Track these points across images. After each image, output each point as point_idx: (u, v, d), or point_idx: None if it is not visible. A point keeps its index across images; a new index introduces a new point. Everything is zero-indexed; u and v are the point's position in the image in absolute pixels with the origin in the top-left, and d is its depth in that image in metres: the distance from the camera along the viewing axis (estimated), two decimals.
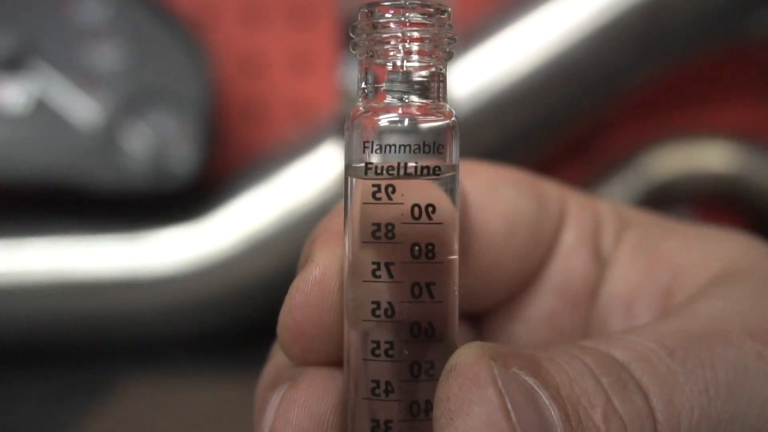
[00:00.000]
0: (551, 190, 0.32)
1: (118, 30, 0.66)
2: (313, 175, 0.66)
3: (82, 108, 0.65)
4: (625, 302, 0.31)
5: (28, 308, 0.66)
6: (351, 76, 0.58)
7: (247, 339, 0.58)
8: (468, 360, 0.24)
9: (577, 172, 0.74)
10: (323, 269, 0.27)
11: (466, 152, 0.65)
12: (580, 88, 0.68)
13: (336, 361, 0.27)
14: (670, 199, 0.72)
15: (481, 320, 0.32)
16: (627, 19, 0.66)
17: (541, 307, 0.32)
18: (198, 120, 0.66)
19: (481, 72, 0.66)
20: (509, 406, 0.23)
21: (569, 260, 0.32)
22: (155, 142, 0.65)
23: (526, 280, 0.32)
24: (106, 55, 0.65)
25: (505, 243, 0.30)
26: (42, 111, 0.65)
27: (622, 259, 0.32)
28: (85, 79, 0.65)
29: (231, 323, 0.67)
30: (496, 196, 0.31)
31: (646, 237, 0.32)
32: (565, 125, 0.71)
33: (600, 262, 0.32)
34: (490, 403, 0.23)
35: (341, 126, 0.27)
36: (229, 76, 0.73)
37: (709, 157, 0.72)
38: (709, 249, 0.31)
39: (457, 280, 0.26)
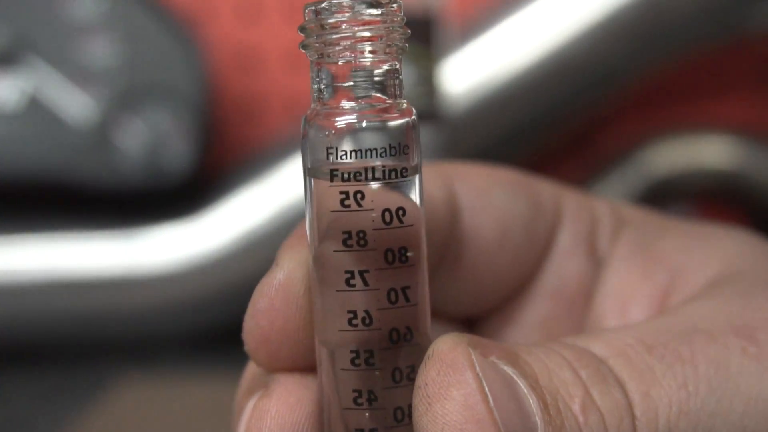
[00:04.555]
0: (546, 190, 0.32)
1: (112, 25, 0.65)
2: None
3: (75, 104, 0.65)
4: (621, 304, 0.30)
5: (21, 306, 0.66)
6: None
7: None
8: (445, 347, 0.24)
9: (575, 168, 0.74)
10: (288, 272, 0.26)
11: (465, 149, 0.65)
12: (579, 83, 0.68)
13: (306, 367, 0.27)
14: (669, 195, 0.72)
15: (476, 325, 0.32)
16: (626, 14, 0.66)
17: (536, 311, 0.31)
18: (193, 116, 0.66)
19: (478, 67, 0.66)
20: (487, 389, 0.23)
21: (564, 263, 0.31)
22: (150, 139, 0.65)
23: (520, 283, 0.31)
24: (100, 51, 0.65)
25: (499, 247, 0.30)
26: (35, 107, 0.65)
27: (618, 260, 0.31)
28: (78, 75, 0.65)
29: (227, 321, 0.67)
30: (488, 199, 0.30)
31: (642, 236, 0.32)
32: (563, 121, 0.70)
33: (596, 263, 0.31)
34: (467, 386, 0.23)
35: None
36: (224, 72, 0.73)
37: (708, 152, 0.72)
38: (708, 249, 0.31)
39: (426, 278, 0.26)
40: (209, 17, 0.73)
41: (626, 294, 0.31)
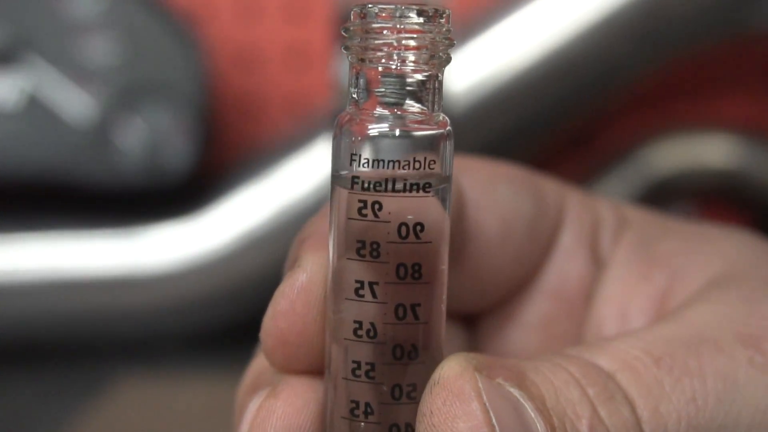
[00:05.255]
0: (550, 188, 0.31)
1: (111, 24, 0.65)
2: (309, 170, 0.66)
3: (75, 103, 0.64)
4: (620, 306, 0.30)
5: (21, 306, 0.65)
6: (346, 71, 0.58)
7: (243, 337, 0.58)
8: (452, 373, 0.23)
9: (576, 166, 0.74)
10: (310, 275, 0.26)
11: (465, 148, 0.65)
12: (580, 82, 0.67)
13: (319, 371, 0.26)
14: (670, 194, 0.72)
15: (475, 322, 0.32)
16: (627, 12, 0.65)
17: (536, 311, 0.31)
18: (193, 115, 0.65)
19: (479, 65, 0.66)
20: (494, 420, 0.23)
21: (566, 263, 0.31)
22: (149, 138, 0.65)
23: (521, 282, 0.31)
24: (100, 50, 0.65)
25: (501, 244, 0.30)
26: (34, 106, 0.64)
27: (619, 261, 0.31)
28: (78, 73, 0.64)
29: (227, 321, 0.67)
30: (493, 195, 0.30)
31: (644, 237, 0.32)
32: (564, 119, 0.70)
33: (597, 264, 0.31)
34: (474, 418, 0.23)
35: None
36: (224, 70, 0.73)
37: (710, 151, 0.72)
38: (708, 250, 0.31)
39: (444, 297, 0.25)
40: (209, 16, 0.73)
41: (626, 296, 0.30)
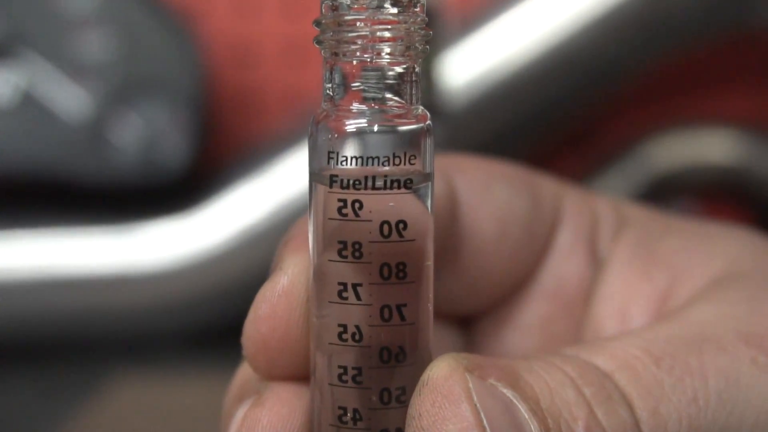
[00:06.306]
0: (547, 187, 0.31)
1: (107, 19, 0.65)
2: (306, 167, 0.65)
3: (70, 99, 0.64)
4: (620, 306, 0.30)
5: (15, 304, 0.65)
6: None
7: (240, 336, 0.58)
8: (441, 373, 0.23)
9: (576, 163, 0.74)
10: (292, 278, 0.25)
11: (465, 143, 0.65)
12: (580, 78, 0.67)
13: (303, 376, 0.26)
14: (671, 191, 0.71)
15: (472, 324, 0.31)
16: (628, 8, 0.65)
17: (533, 312, 0.31)
18: (190, 111, 0.65)
19: (479, 61, 0.65)
20: (485, 422, 0.22)
21: (564, 262, 0.30)
22: (146, 134, 0.64)
23: (518, 282, 0.31)
24: (96, 45, 0.65)
25: (497, 244, 0.29)
26: (29, 102, 0.64)
27: (619, 261, 0.30)
28: (73, 69, 0.64)
29: (223, 319, 0.66)
30: (488, 194, 0.29)
31: (644, 236, 0.31)
32: (564, 115, 0.70)
33: (596, 263, 0.31)
34: (464, 420, 0.22)
35: None
36: (222, 66, 0.72)
37: (711, 147, 0.71)
38: (710, 249, 0.30)
39: (431, 295, 0.24)
40: (206, 11, 0.72)
41: (626, 295, 0.30)
